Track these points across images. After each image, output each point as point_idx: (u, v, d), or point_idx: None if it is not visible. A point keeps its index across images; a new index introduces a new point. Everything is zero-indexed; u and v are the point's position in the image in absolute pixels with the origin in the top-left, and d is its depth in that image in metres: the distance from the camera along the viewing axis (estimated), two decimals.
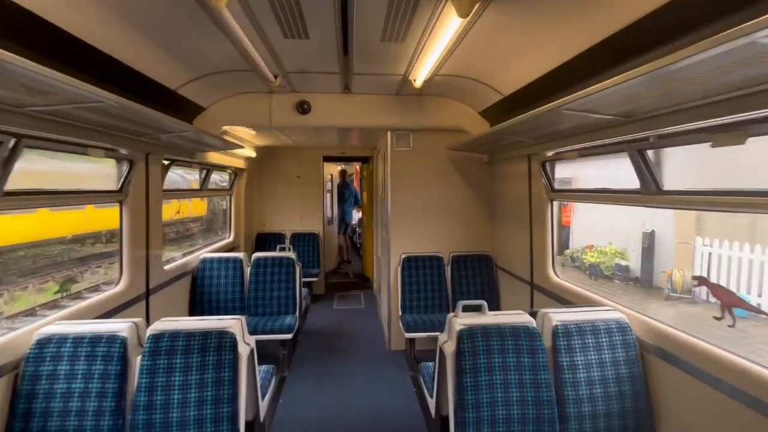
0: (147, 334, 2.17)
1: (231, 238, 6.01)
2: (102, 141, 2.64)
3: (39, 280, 6.86)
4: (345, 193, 9.54)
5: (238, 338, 2.21)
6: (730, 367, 1.82)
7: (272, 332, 3.95)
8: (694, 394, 2.00)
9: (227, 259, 4.47)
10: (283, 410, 3.57)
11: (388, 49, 2.95)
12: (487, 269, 4.64)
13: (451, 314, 2.40)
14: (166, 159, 3.80)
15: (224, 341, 2.17)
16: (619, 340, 2.26)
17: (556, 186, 3.49)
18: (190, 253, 4.97)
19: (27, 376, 1.98)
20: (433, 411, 2.78)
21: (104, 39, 2.21)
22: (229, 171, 5.78)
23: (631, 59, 1.99)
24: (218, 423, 2.05)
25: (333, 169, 9.36)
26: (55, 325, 2.18)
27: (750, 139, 1.72)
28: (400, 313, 4.45)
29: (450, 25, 2.41)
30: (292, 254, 4.60)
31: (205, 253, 4.57)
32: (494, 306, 4.53)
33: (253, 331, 3.92)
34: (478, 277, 4.61)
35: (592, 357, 2.23)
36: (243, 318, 2.37)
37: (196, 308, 4.30)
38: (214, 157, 4.68)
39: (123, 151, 3.02)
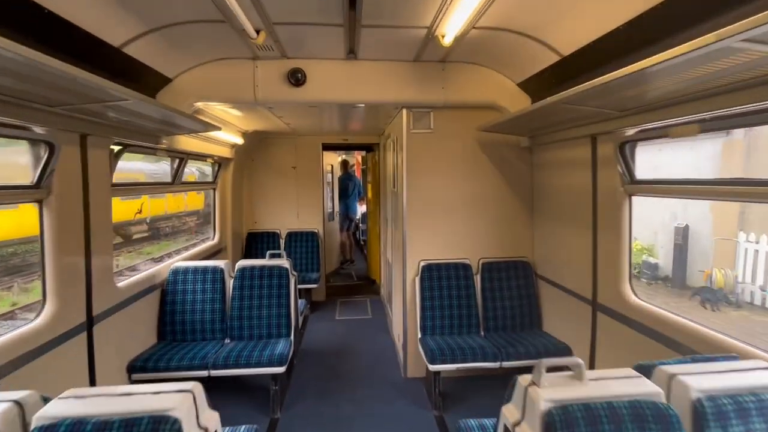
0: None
1: (215, 240, 5.14)
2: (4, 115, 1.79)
3: None
4: (348, 185, 8.63)
5: (185, 426, 1.35)
6: None
7: (259, 365, 3.10)
8: None
9: (204, 269, 3.60)
10: None
11: None
12: (525, 279, 3.77)
13: (525, 380, 1.53)
14: (118, 144, 2.91)
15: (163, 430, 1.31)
16: None
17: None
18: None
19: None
20: None
21: None
22: (211, 161, 4.88)
23: None
24: None
25: (333, 159, 8.45)
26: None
27: None
28: (419, 335, 3.59)
29: None
30: (285, 262, 3.73)
31: (178, 262, 3.70)
32: (534, 324, 3.68)
33: (235, 363, 3.08)
34: (515, 290, 3.74)
35: None
36: (197, 389, 1.50)
37: (165, 334, 3.45)
38: (189, 143, 3.78)
39: (38, 130, 2.13)
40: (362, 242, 9.79)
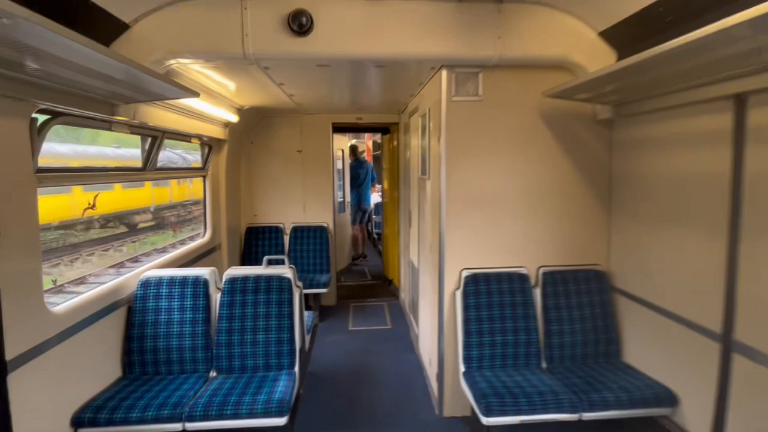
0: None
1: (207, 237, 4.31)
2: None
3: None
4: (359, 172, 7.72)
5: None
6: None
7: (252, 414, 2.28)
8: None
9: (183, 280, 2.77)
10: None
11: None
12: (600, 295, 2.88)
13: None
14: (44, 111, 2.05)
15: None
16: None
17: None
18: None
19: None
20: None
21: None
22: (197, 141, 4.02)
23: None
24: None
25: (344, 143, 7.54)
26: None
27: None
28: (463, 368, 2.74)
29: None
30: (288, 270, 2.89)
31: (150, 270, 2.88)
32: (611, 354, 2.81)
33: (218, 413, 2.26)
34: (587, 308, 2.86)
35: None
36: None
37: (132, 365, 2.64)
38: (163, 118, 2.92)
39: None
40: (375, 236, 8.93)
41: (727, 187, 1.98)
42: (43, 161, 2.07)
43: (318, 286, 4.71)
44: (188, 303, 2.74)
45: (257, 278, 2.83)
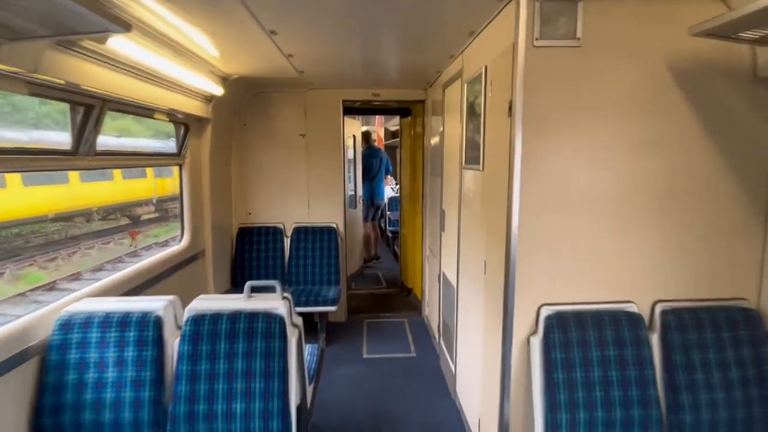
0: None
1: (185, 243, 3.40)
2: None
3: None
4: (372, 162, 6.73)
5: None
6: None
7: None
8: None
9: (123, 319, 1.84)
10: None
11: None
12: (752, 345, 1.90)
13: None
14: None
15: None
16: None
17: None
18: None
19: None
20: None
21: None
22: (165, 117, 3.07)
23: None
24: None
25: (355, 128, 6.54)
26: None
27: None
28: None
29: None
30: (280, 303, 1.95)
31: (76, 303, 1.95)
32: None
33: None
34: (733, 365, 1.88)
35: None
36: None
37: None
38: (102, 78, 1.97)
39: None
40: (389, 234, 7.97)
41: None
42: None
43: (325, 303, 3.78)
44: (130, 354, 1.81)
45: (234, 316, 1.89)
